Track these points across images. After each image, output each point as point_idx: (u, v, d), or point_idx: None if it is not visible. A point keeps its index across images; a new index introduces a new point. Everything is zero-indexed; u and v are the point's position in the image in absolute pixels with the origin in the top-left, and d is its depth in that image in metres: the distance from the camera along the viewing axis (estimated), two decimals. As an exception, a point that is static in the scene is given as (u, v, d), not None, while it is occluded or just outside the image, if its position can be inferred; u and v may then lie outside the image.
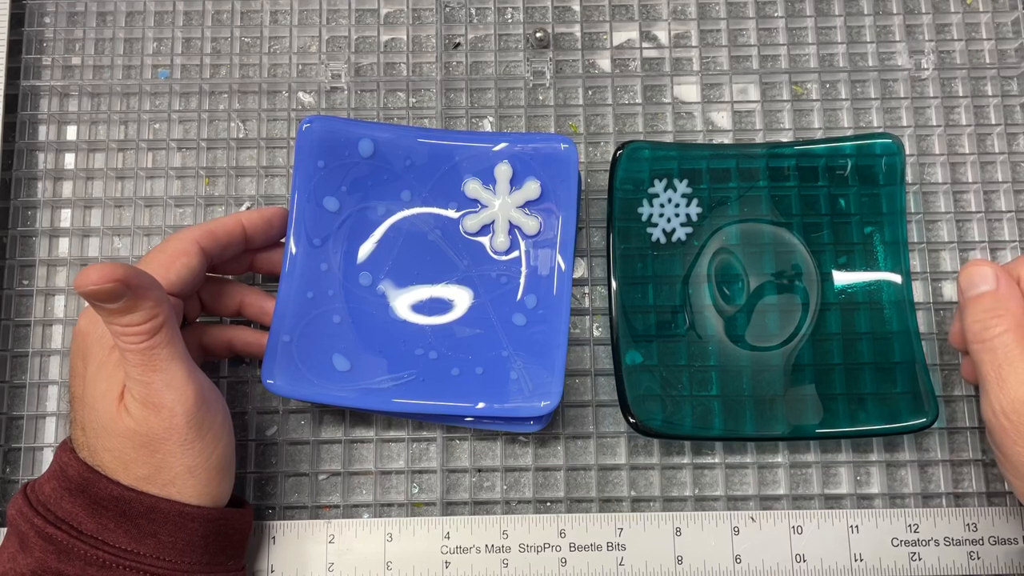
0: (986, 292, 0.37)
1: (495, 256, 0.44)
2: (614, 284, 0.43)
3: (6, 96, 0.47)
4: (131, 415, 0.35)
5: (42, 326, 0.46)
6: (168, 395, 0.35)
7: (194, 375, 0.36)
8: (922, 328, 0.44)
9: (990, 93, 0.48)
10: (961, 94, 0.48)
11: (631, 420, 0.41)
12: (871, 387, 0.42)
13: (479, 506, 0.44)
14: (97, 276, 0.32)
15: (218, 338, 0.42)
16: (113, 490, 0.36)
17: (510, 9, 0.49)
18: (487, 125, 0.48)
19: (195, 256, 0.39)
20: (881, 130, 0.47)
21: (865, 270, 0.44)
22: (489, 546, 0.42)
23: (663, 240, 0.45)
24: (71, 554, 0.35)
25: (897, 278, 0.43)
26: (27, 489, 0.37)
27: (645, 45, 0.49)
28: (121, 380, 0.36)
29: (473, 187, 0.44)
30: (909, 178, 0.46)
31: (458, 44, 0.49)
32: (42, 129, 0.48)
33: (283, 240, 0.43)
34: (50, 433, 0.45)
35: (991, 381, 0.36)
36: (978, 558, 0.42)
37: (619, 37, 0.49)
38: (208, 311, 0.43)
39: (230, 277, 0.44)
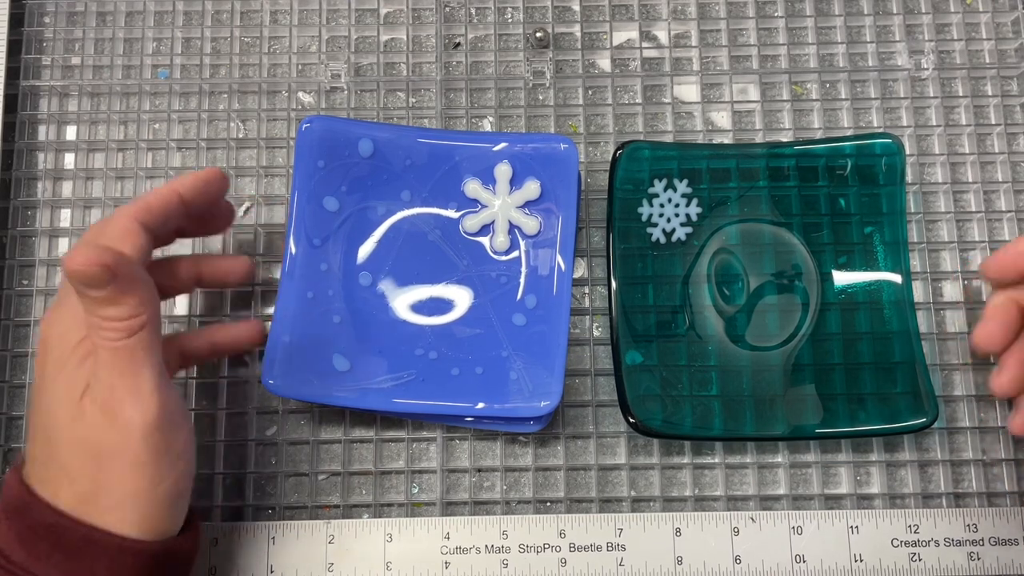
0: None
1: (495, 256, 0.44)
2: (614, 284, 0.43)
3: (6, 96, 0.47)
4: (86, 421, 0.33)
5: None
6: (129, 404, 0.33)
7: (162, 389, 0.34)
8: (922, 328, 0.44)
9: (990, 93, 0.48)
10: (961, 94, 0.48)
11: (631, 420, 0.41)
12: (871, 387, 0.42)
13: (479, 506, 0.44)
14: (83, 258, 0.31)
15: (199, 341, 0.41)
16: (48, 516, 0.33)
17: (510, 9, 0.49)
18: (487, 125, 0.48)
19: (138, 234, 0.35)
20: (881, 130, 0.47)
21: (865, 270, 0.44)
22: (489, 546, 0.42)
23: (663, 240, 0.45)
24: None
25: (897, 278, 0.43)
26: None
27: (645, 45, 0.49)
28: (82, 382, 0.34)
29: (473, 187, 0.44)
30: (909, 178, 0.46)
31: (458, 44, 0.49)
32: (42, 129, 0.48)
33: (220, 219, 0.42)
34: (50, 433, 0.45)
35: None
36: (978, 558, 0.42)
37: (619, 37, 0.49)
38: (166, 293, 0.41)
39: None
